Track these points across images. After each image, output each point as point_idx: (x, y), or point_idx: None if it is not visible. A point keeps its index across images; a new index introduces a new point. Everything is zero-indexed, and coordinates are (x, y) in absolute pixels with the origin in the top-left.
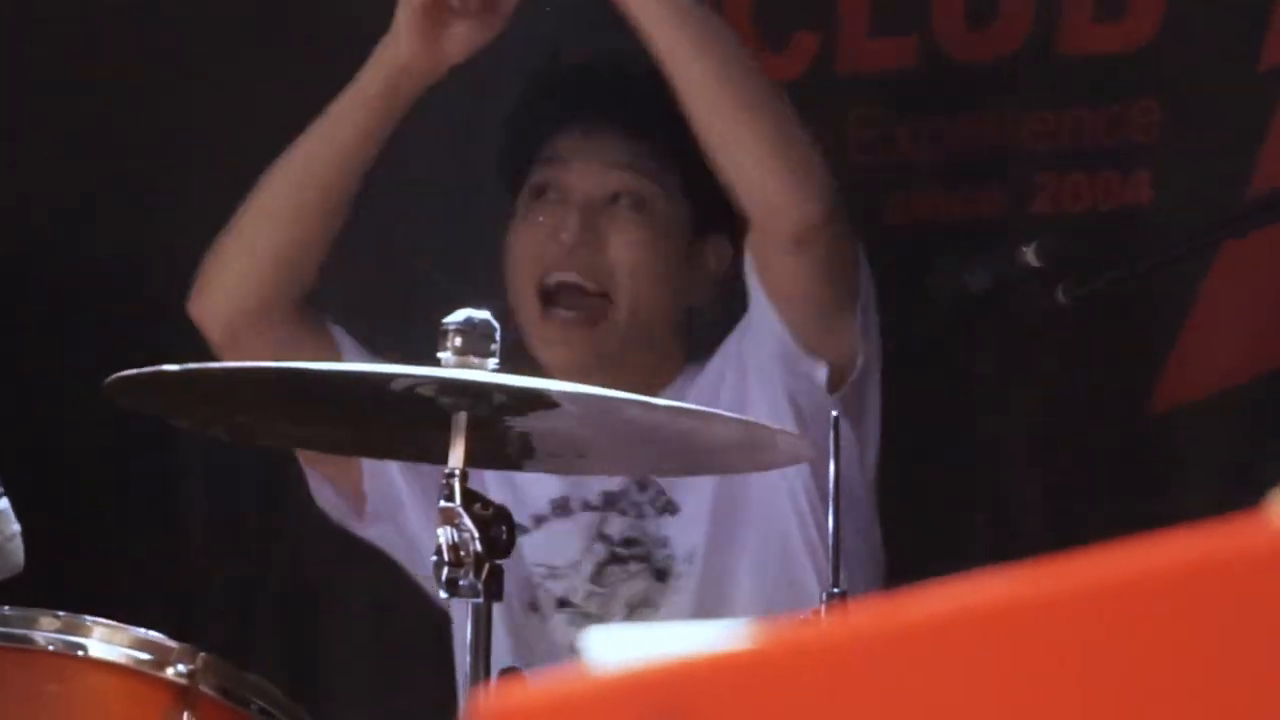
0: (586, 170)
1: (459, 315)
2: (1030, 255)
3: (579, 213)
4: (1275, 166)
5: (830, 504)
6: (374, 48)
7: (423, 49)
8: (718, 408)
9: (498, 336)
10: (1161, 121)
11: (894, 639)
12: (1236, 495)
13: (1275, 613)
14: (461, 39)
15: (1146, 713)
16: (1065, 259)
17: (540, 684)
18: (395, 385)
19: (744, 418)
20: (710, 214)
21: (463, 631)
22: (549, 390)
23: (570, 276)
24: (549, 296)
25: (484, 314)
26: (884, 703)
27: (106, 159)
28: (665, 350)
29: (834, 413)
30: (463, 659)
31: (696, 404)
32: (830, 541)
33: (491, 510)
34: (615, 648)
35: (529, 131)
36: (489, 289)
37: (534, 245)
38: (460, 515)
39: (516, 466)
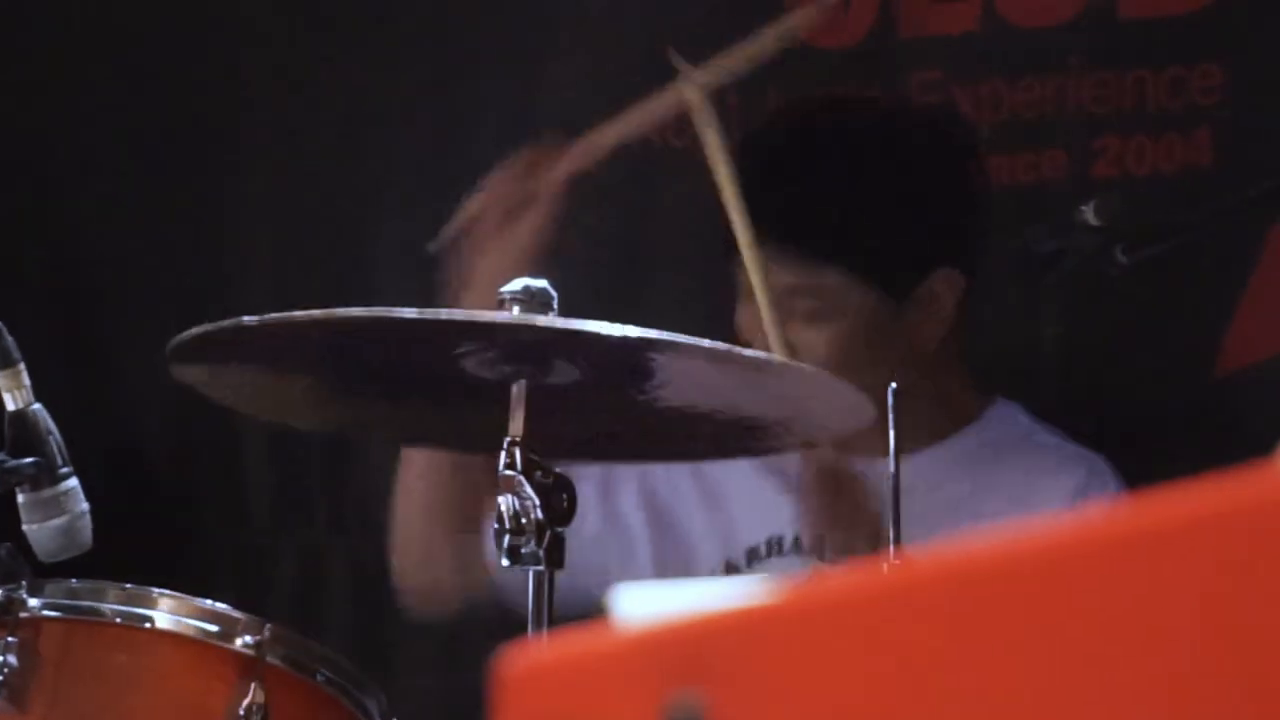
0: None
1: (517, 284)
2: (1089, 214)
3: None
4: None
5: (892, 469)
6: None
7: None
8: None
9: (555, 304)
10: (1223, 84)
11: (916, 592)
12: None
13: None
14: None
15: (1167, 661)
16: (1124, 218)
17: (564, 643)
18: (461, 349)
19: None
20: (925, 254)
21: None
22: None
23: None
24: None
25: (541, 282)
26: (907, 656)
27: (172, 136)
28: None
29: (893, 385)
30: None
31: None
32: (891, 501)
33: (553, 478)
34: (640, 605)
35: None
36: None
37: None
38: (521, 483)
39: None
